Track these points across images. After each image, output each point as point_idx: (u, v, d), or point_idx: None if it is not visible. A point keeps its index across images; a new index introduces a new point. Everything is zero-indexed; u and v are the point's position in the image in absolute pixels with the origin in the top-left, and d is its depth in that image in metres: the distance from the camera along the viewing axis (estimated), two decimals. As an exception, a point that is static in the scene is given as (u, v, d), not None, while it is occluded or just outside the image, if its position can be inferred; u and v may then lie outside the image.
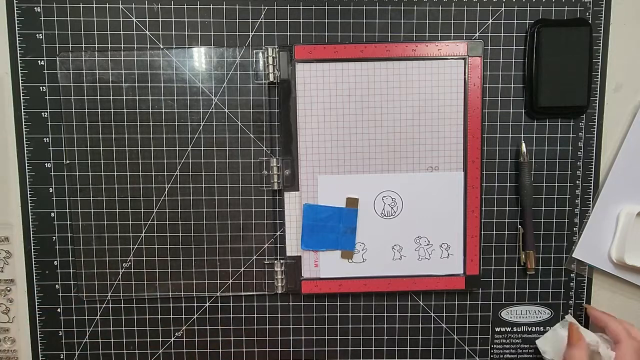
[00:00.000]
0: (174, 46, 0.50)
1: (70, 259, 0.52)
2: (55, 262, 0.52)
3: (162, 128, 0.50)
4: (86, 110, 0.50)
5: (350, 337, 0.53)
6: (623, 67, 0.51)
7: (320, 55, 0.49)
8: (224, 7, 0.50)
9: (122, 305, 0.52)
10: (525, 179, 0.51)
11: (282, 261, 0.52)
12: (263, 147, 0.51)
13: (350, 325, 0.53)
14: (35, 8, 0.49)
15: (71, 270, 0.52)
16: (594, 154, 0.52)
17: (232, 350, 0.53)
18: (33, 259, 0.51)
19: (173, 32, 0.50)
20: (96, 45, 0.49)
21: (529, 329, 0.54)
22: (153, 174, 0.51)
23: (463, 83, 0.49)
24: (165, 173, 0.51)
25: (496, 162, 0.51)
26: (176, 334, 0.53)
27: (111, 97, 0.50)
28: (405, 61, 0.49)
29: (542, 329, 0.54)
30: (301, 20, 0.50)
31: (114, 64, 0.49)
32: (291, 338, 0.53)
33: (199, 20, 0.50)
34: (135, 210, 0.51)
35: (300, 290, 0.52)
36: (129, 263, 0.52)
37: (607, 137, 0.52)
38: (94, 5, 0.49)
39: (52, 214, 0.51)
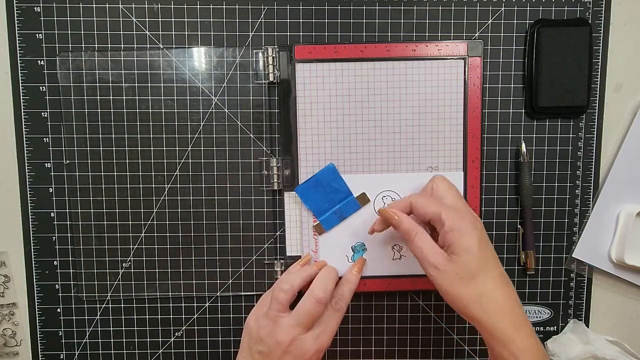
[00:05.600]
0: (174, 46, 0.50)
1: (70, 259, 0.52)
2: (55, 262, 0.52)
3: (162, 128, 0.50)
4: (86, 110, 0.50)
5: (350, 337, 0.53)
6: (623, 67, 0.51)
7: (320, 55, 0.49)
8: (224, 7, 0.50)
9: (122, 305, 0.52)
10: (525, 179, 0.51)
11: (282, 261, 0.52)
12: (263, 147, 0.51)
13: (350, 325, 0.53)
14: (35, 8, 0.49)
15: (71, 270, 0.52)
16: (594, 154, 0.52)
17: (232, 350, 0.53)
18: (33, 259, 0.51)
19: (173, 32, 0.50)
20: (96, 45, 0.49)
21: (529, 329, 0.54)
22: (153, 174, 0.51)
23: (463, 83, 0.49)
24: (165, 173, 0.51)
25: (496, 162, 0.51)
26: (176, 334, 0.53)
27: (111, 97, 0.50)
28: (405, 61, 0.49)
29: (542, 328, 0.54)
30: (301, 20, 0.50)
31: (114, 64, 0.49)
32: (291, 338, 0.53)
33: (199, 20, 0.50)
34: (135, 210, 0.51)
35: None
36: (129, 263, 0.52)
37: (607, 137, 0.52)
38: (94, 5, 0.49)
39: (52, 214, 0.51)
